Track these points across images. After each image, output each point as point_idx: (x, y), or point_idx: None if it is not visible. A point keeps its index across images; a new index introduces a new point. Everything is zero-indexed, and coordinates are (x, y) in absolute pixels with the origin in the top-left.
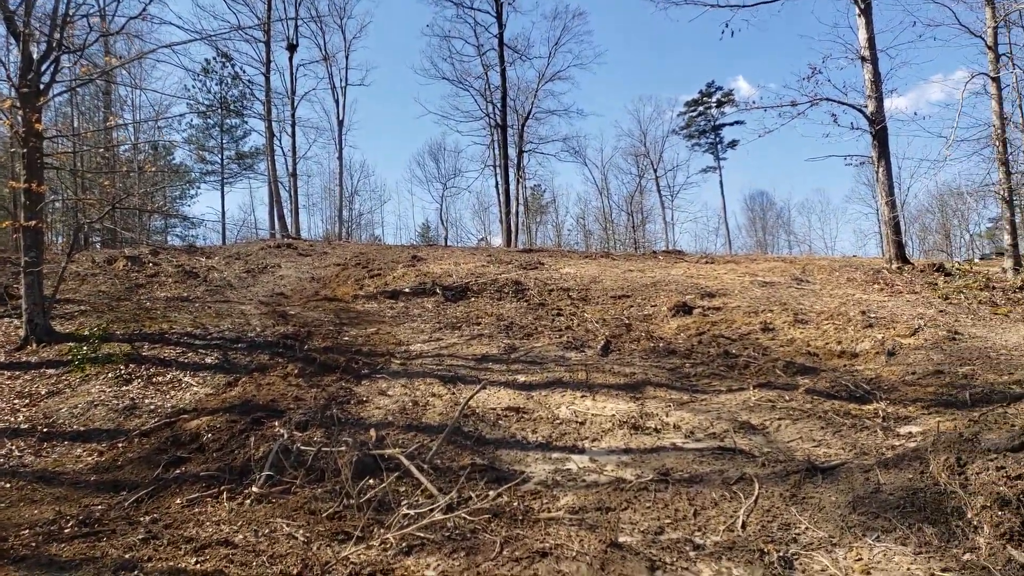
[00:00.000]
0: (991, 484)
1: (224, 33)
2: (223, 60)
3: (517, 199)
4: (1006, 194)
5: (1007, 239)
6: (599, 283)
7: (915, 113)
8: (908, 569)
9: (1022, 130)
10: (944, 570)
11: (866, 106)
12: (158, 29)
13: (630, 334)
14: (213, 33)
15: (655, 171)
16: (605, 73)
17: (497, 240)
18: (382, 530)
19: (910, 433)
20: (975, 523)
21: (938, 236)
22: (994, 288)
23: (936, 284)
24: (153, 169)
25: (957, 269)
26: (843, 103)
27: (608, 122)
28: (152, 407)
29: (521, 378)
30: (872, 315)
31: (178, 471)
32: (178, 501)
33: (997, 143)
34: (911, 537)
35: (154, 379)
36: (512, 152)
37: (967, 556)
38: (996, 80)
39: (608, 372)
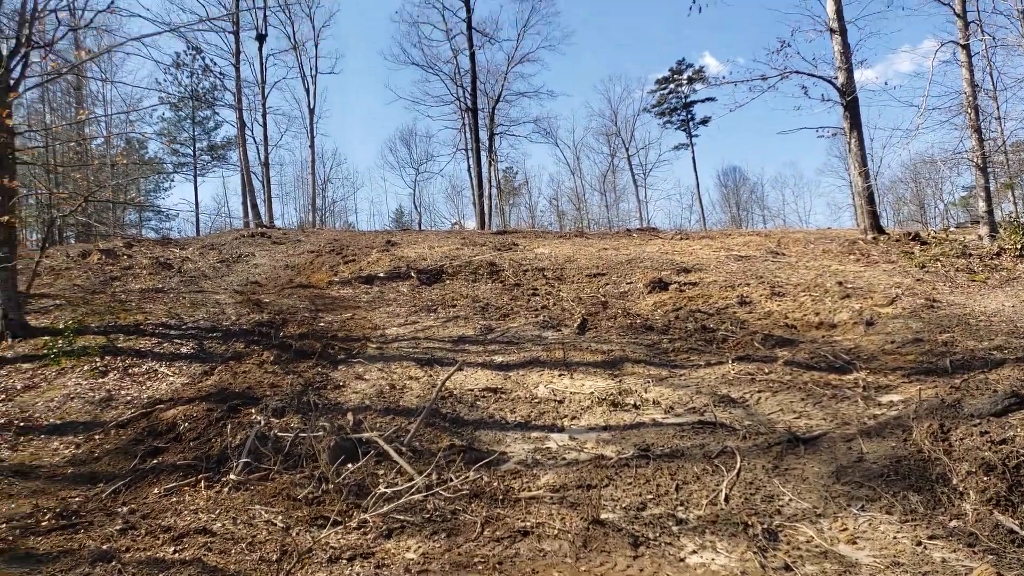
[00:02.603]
0: (975, 449)
1: (193, 25)
2: (194, 52)
3: (490, 182)
4: (980, 161)
5: (982, 206)
6: (574, 262)
7: (885, 83)
8: (895, 537)
9: (993, 97)
10: (931, 537)
11: (836, 78)
12: (127, 22)
13: (606, 312)
14: (182, 25)
15: (627, 150)
16: (574, 53)
17: (471, 223)
18: (361, 513)
19: (891, 402)
20: (960, 489)
21: (912, 206)
22: (971, 255)
23: (912, 253)
24: (126, 162)
25: (933, 238)
26: (813, 75)
27: (579, 102)
28: (128, 398)
29: (498, 358)
30: (849, 285)
31: (155, 461)
32: (156, 491)
33: (969, 110)
34: (896, 505)
35: (130, 370)
36: (483, 135)
37: (953, 523)
38: (966, 48)
39: (585, 350)
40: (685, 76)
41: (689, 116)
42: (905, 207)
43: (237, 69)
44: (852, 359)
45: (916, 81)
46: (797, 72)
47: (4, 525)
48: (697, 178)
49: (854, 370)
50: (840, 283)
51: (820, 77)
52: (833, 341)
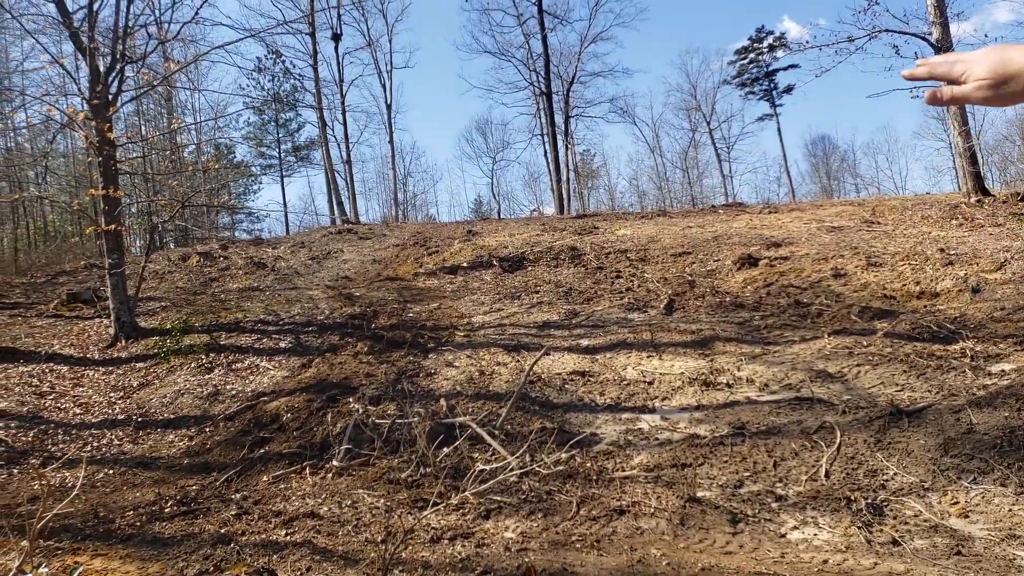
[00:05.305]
0: None
1: (271, 29)
2: (274, 57)
3: (567, 166)
4: None
5: None
6: (657, 242)
7: (985, 36)
8: (1010, 510)
9: None
10: None
11: (930, 33)
12: (211, 32)
13: (694, 291)
14: (261, 30)
15: (708, 124)
16: (649, 29)
17: (550, 209)
18: (460, 494)
19: (1003, 371)
20: None
21: (1020, 165)
22: None
23: (1022, 215)
24: (217, 167)
25: None
26: (905, 33)
27: (656, 79)
28: (234, 392)
29: (584, 342)
30: (952, 252)
31: (262, 451)
32: (264, 478)
33: None
34: (1011, 477)
35: (233, 366)
36: (559, 119)
37: None
38: None
39: (674, 331)
40: (765, 44)
41: (772, 85)
42: (1012, 167)
43: (315, 70)
44: (957, 328)
45: (1018, 31)
46: (887, 31)
47: (131, 512)
48: (783, 149)
49: (960, 339)
50: (942, 250)
51: (912, 34)
52: (936, 311)
